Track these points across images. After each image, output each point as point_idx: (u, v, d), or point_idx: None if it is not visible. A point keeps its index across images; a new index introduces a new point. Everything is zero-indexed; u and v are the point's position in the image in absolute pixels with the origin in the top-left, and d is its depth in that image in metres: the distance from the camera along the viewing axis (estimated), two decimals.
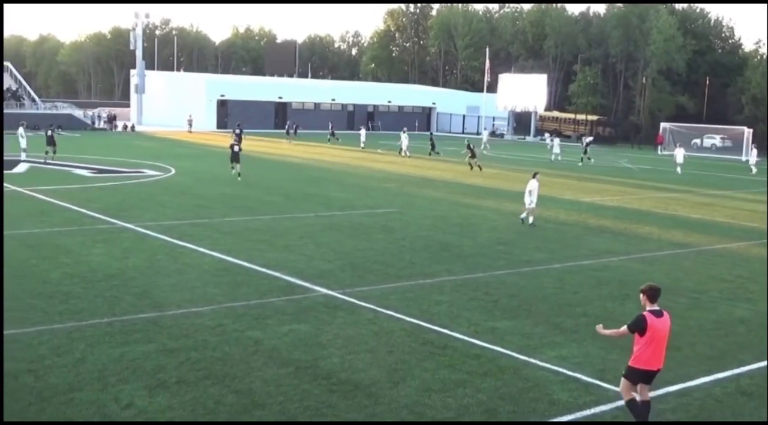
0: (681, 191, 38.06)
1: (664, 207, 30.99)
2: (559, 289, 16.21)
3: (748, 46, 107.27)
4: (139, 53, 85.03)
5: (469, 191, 33.83)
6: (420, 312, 13.85)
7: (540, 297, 15.40)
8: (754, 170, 53.16)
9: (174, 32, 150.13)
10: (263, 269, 16.75)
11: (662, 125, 79.17)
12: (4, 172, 33.76)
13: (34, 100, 79.67)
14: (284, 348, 11.69)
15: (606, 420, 9.60)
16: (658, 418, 9.54)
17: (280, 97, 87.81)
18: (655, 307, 9.00)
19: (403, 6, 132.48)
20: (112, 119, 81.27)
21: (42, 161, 39.55)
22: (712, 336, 13.30)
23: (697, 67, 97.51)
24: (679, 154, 50.33)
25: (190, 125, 76.46)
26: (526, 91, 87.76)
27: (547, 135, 78.69)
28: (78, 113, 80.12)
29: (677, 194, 36.98)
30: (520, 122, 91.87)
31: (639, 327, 8.87)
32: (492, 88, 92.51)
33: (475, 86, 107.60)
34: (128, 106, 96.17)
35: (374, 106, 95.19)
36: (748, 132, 69.81)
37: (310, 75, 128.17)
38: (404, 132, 55.20)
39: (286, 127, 70.33)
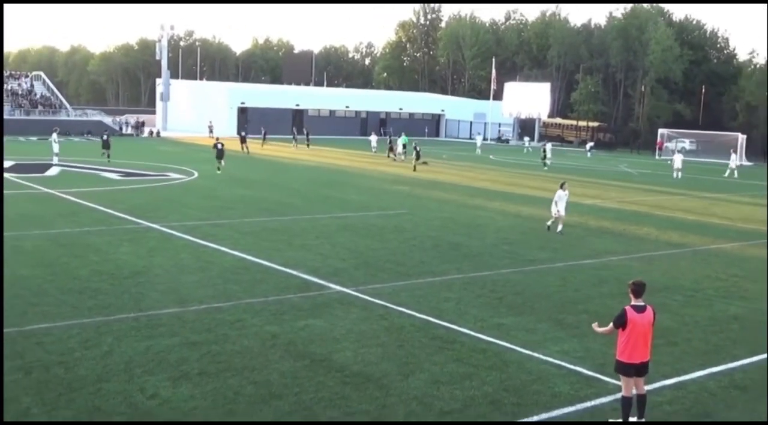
0: (677, 194, 37.84)
1: (662, 209, 30.85)
2: (562, 287, 16.16)
3: (742, 56, 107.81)
4: (164, 63, 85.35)
5: (476, 193, 33.76)
6: (429, 309, 13.84)
7: (543, 295, 15.36)
8: (735, 173, 52.37)
9: (197, 43, 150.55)
10: (281, 268, 16.78)
11: (660, 130, 78.81)
12: (35, 175, 34.03)
13: (65, 107, 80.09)
14: (300, 342, 11.72)
15: (606, 411, 9.57)
16: (654, 410, 9.50)
17: (297, 105, 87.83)
18: (640, 302, 9.02)
19: (413, 18, 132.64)
20: (140, 125, 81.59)
21: (106, 160, 42.17)
22: (707, 332, 13.24)
23: (693, 77, 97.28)
24: (677, 159, 49.97)
25: (211, 130, 76.58)
26: (530, 98, 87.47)
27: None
28: (107, 119, 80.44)
29: (674, 196, 36.79)
30: (525, 128, 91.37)
31: (621, 321, 8.95)
32: (498, 96, 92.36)
33: (482, 94, 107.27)
34: (154, 113, 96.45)
35: (386, 113, 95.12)
36: (742, 138, 69.52)
37: (325, 83, 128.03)
38: (401, 136, 55.15)
39: (292, 132, 69.89)
